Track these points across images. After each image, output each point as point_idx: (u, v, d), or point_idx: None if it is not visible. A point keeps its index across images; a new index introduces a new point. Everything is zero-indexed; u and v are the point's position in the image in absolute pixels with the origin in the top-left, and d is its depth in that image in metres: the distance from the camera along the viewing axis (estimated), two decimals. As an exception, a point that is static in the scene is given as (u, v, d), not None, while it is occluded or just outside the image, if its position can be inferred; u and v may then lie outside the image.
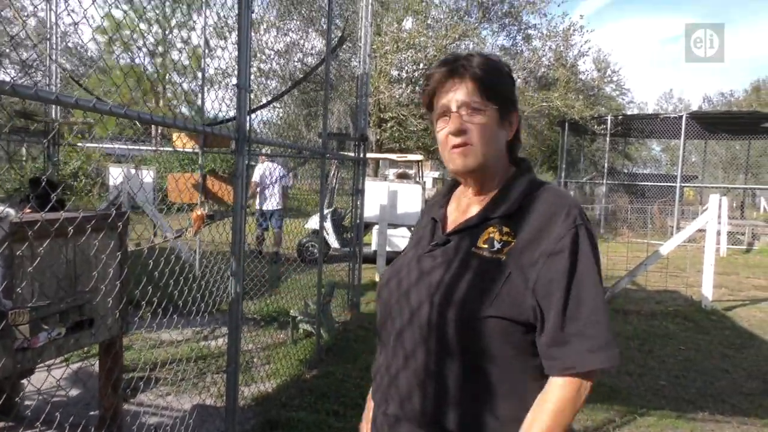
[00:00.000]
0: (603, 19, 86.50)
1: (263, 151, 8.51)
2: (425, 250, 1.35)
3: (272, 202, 9.47)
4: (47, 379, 2.56)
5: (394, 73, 15.53)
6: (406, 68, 15.75)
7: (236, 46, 2.71)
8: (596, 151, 21.96)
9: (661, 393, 4.62)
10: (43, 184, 2.30)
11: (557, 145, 21.99)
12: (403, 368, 1.28)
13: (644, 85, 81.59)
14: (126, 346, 4.72)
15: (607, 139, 18.25)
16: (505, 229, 1.26)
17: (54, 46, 4.98)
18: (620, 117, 18.59)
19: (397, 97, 15.11)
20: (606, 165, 18.53)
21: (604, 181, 18.26)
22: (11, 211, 1.87)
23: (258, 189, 9.23)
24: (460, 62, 1.30)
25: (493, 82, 1.30)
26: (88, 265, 2.44)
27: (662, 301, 7.97)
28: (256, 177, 9.16)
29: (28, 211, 2.40)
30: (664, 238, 13.27)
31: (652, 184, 18.77)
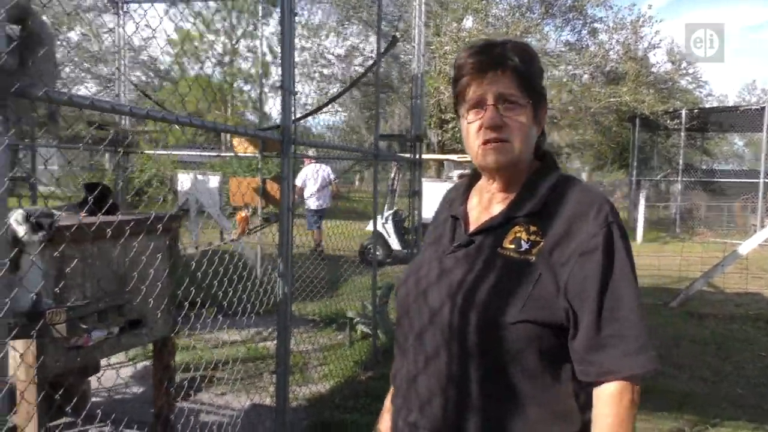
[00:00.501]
0: (679, 10, 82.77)
1: (309, 153, 8.76)
2: (447, 249, 1.29)
3: (316, 201, 9.81)
4: (111, 378, 2.68)
5: (455, 73, 15.40)
6: (467, 68, 15.53)
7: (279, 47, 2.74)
8: (671, 147, 20.89)
9: (737, 402, 4.32)
10: (82, 187, 2.41)
11: (628, 142, 21.10)
12: (423, 371, 1.23)
13: (724, 76, 77.10)
14: (186, 346, 4.87)
15: (682, 134, 17.35)
16: (533, 228, 1.19)
17: (124, 61, 5.28)
18: (695, 111, 17.63)
19: (459, 97, 14.93)
20: (681, 161, 17.62)
21: (680, 179, 17.36)
22: (20, 213, 1.98)
23: (303, 192, 9.50)
24: (497, 51, 1.23)
25: (531, 75, 1.24)
26: (137, 267, 2.53)
27: (742, 303, 7.48)
28: (299, 181, 9.43)
29: (84, 215, 2.51)
30: (746, 237, 12.49)
31: (732, 180, 17.71)
